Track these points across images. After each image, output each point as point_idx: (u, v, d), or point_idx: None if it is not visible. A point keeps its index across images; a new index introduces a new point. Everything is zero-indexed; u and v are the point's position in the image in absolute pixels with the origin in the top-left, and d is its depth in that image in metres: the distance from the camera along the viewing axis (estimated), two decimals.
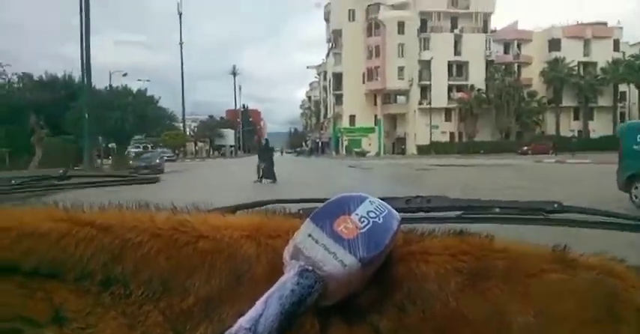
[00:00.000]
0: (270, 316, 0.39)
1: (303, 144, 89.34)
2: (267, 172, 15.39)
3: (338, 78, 61.10)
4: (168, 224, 0.50)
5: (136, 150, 46.50)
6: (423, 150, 51.30)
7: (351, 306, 0.45)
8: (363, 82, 57.95)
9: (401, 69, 55.13)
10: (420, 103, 53.89)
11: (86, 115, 23.72)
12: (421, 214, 0.67)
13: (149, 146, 52.72)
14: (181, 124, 68.49)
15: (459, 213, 0.68)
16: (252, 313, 0.39)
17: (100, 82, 45.93)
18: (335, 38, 62.12)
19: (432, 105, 51.97)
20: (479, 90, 52.52)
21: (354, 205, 0.47)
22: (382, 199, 0.50)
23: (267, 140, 18.13)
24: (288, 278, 0.42)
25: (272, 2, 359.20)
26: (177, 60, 63.39)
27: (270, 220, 0.53)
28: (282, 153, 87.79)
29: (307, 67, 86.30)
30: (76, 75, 33.51)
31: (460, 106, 52.48)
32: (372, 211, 0.47)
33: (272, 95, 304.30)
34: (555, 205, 0.66)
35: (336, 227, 0.45)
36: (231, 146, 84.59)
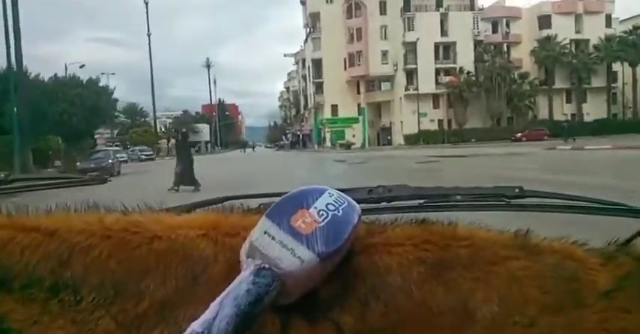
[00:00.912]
0: (224, 317, 0.38)
1: (283, 137, 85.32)
2: (184, 176, 11.22)
3: (317, 65, 57.14)
4: (119, 225, 0.49)
5: (109, 149, 41.36)
6: (410, 140, 47.84)
7: (312, 303, 0.44)
8: (345, 69, 54.15)
9: (384, 53, 51.50)
10: (407, 89, 50.27)
11: (15, 109, 19.52)
12: (383, 204, 0.66)
13: (121, 144, 48.17)
14: (158, 121, 63.93)
15: (421, 201, 0.68)
16: (205, 316, 0.38)
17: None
18: (313, 22, 58.08)
19: (419, 91, 48.50)
20: (468, 73, 49.17)
21: (313, 198, 0.46)
22: (343, 190, 0.50)
23: (184, 133, 13.28)
24: (244, 277, 0.41)
25: None
26: (151, 57, 58.47)
27: (228, 217, 0.52)
28: (253, 148, 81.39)
29: (284, 55, 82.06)
30: (33, 70, 29.05)
31: (449, 91, 49.03)
32: (331, 204, 0.46)
33: (252, 89, 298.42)
34: (517, 190, 0.66)
35: (294, 222, 0.44)
36: (206, 142, 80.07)
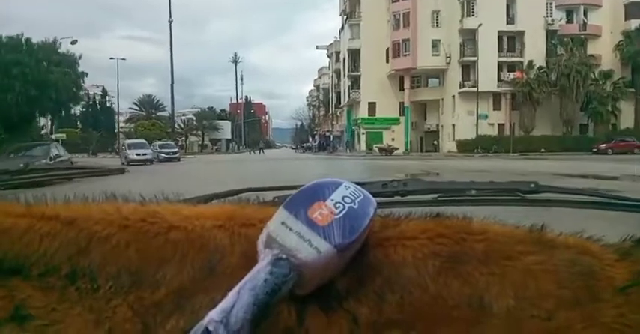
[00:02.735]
0: (242, 307, 0.38)
1: (310, 139, 77.94)
2: None
3: (355, 56, 49.56)
4: (137, 215, 0.50)
5: (132, 141, 32.20)
6: (465, 147, 39.64)
7: (328, 294, 0.45)
8: (387, 61, 46.35)
9: (435, 42, 43.48)
10: (462, 86, 42.12)
11: None
12: (398, 198, 0.66)
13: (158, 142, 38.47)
14: (179, 117, 57.53)
15: (435, 196, 0.68)
16: (223, 304, 0.39)
17: (101, 75, 32.03)
18: (352, 7, 50.54)
19: (478, 89, 40.30)
20: (540, 68, 40.71)
21: (330, 191, 0.46)
22: (359, 184, 0.50)
23: None
24: (261, 267, 0.41)
25: None
26: (184, 56, 52.86)
27: (244, 209, 0.53)
28: (261, 150, 60.98)
29: (317, 48, 74.67)
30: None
31: (514, 90, 40.66)
32: (347, 196, 0.46)
33: (281, 91, 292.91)
34: (532, 185, 0.66)
35: (311, 214, 0.44)
36: (227, 140, 73.44)
